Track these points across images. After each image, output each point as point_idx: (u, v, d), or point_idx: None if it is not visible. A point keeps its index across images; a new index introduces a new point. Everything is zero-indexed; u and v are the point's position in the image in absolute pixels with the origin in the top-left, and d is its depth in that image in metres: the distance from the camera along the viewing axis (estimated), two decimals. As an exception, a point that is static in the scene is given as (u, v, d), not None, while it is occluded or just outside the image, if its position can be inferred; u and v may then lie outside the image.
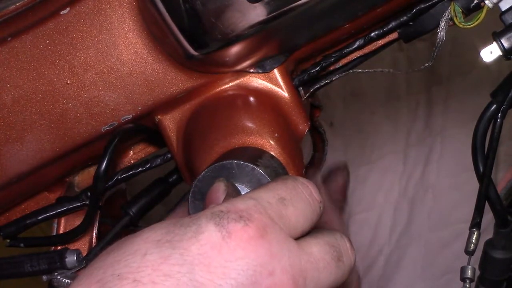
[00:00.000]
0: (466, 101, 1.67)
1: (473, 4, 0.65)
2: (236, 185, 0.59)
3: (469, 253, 0.70)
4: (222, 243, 0.49)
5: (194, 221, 0.50)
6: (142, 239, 0.49)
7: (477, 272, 0.72)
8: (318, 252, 0.53)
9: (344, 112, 1.73)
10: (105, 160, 0.67)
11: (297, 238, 0.53)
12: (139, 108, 0.68)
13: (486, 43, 0.66)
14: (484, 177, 0.68)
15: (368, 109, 1.73)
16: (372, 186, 1.76)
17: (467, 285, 0.71)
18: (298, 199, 0.54)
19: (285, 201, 0.53)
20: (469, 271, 0.70)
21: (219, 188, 0.57)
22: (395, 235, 1.76)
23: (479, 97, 0.87)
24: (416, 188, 1.75)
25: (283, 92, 0.68)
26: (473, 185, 0.70)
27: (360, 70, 0.71)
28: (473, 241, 0.70)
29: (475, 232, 0.70)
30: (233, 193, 0.57)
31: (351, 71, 0.71)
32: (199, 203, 0.60)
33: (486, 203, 0.70)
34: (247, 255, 0.48)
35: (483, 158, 0.68)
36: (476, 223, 0.70)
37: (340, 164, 0.84)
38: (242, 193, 0.59)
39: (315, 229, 0.56)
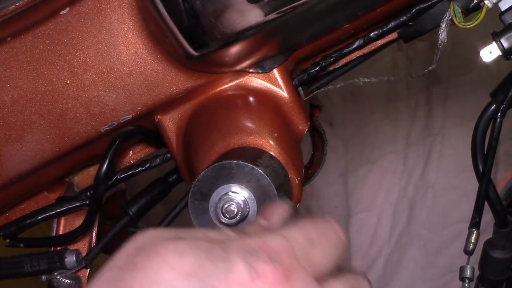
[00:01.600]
0: (465, 101, 1.67)
1: (472, 4, 0.65)
2: (236, 185, 0.59)
3: (469, 252, 0.70)
4: (250, 284, 0.48)
5: (226, 256, 0.49)
6: (170, 266, 0.49)
7: (477, 272, 0.72)
8: None
9: (343, 112, 1.73)
10: (106, 163, 0.67)
11: (321, 279, 0.53)
12: (139, 108, 0.68)
13: (486, 43, 0.66)
14: (484, 177, 0.68)
15: (367, 109, 1.73)
16: (372, 186, 1.76)
17: (466, 285, 0.71)
18: (326, 242, 0.54)
19: (314, 243, 0.53)
20: (468, 271, 0.70)
21: (286, 210, 0.56)
22: (395, 235, 1.76)
23: (479, 97, 0.87)
24: (416, 188, 1.75)
25: (283, 92, 0.68)
26: (473, 185, 0.70)
27: (366, 80, 0.71)
28: (472, 240, 0.70)
29: (474, 232, 0.70)
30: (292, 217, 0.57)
31: (356, 80, 0.71)
32: (199, 203, 0.60)
33: (486, 203, 0.70)
34: None
35: (483, 157, 0.68)
36: (475, 223, 0.70)
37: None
38: (242, 193, 0.59)
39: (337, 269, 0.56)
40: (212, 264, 0.49)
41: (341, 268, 0.56)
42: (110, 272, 0.48)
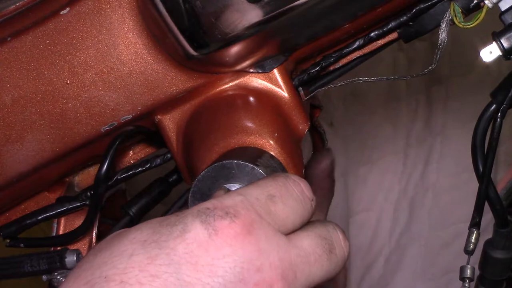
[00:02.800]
0: (466, 101, 1.67)
1: (472, 4, 0.65)
2: (237, 184, 0.59)
3: (469, 252, 0.70)
4: (208, 241, 0.48)
5: (181, 220, 0.50)
6: (128, 239, 0.49)
7: (477, 272, 0.72)
8: (309, 245, 0.52)
9: (344, 112, 1.73)
10: (106, 163, 0.67)
11: (288, 234, 0.53)
12: (139, 108, 0.68)
13: (486, 43, 0.66)
14: (484, 177, 0.68)
15: (368, 109, 1.73)
16: (372, 186, 1.76)
17: (466, 285, 0.71)
18: (288, 196, 0.54)
19: (274, 198, 0.53)
20: (468, 271, 0.70)
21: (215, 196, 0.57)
22: (395, 235, 1.76)
23: (479, 97, 0.87)
24: (416, 188, 1.75)
25: (283, 92, 0.68)
26: (473, 185, 0.70)
27: (366, 79, 0.71)
28: (473, 240, 0.70)
29: (475, 232, 0.70)
30: None
31: (356, 79, 0.71)
32: (199, 202, 0.60)
33: (486, 203, 0.70)
34: (234, 252, 0.48)
35: (483, 157, 0.68)
36: (475, 223, 0.70)
37: (324, 149, 0.84)
38: None
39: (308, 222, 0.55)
40: (168, 229, 0.49)
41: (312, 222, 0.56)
42: (81, 265, 0.49)
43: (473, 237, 0.70)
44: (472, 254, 0.71)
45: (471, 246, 0.70)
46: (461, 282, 0.71)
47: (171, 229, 0.49)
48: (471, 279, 0.71)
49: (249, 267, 0.48)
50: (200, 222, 0.49)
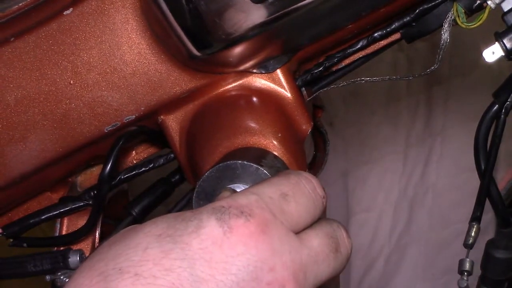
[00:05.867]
0: (466, 101, 1.67)
1: (475, 4, 0.65)
2: (241, 185, 0.60)
3: (468, 246, 0.70)
4: (223, 238, 0.49)
5: (196, 216, 0.50)
6: (143, 233, 0.49)
7: (476, 266, 0.72)
8: (318, 245, 0.53)
9: (344, 112, 1.73)
10: (110, 163, 0.67)
11: (299, 232, 0.53)
12: (142, 109, 0.69)
13: (488, 43, 0.66)
14: (486, 172, 0.68)
15: (368, 109, 1.73)
16: (372, 186, 1.76)
17: (465, 277, 0.70)
18: (300, 194, 0.54)
19: (288, 196, 0.53)
20: (467, 264, 0.70)
21: (225, 196, 0.57)
22: (395, 235, 1.76)
23: (480, 97, 0.87)
24: (416, 188, 1.75)
25: (286, 93, 0.68)
26: (473, 185, 0.70)
27: (368, 79, 0.71)
28: (472, 234, 0.70)
29: (475, 226, 0.70)
30: None
31: (358, 79, 0.71)
32: (204, 203, 0.61)
33: (487, 202, 0.70)
34: (248, 251, 0.49)
35: (485, 155, 0.68)
36: (476, 217, 0.70)
37: None
38: None
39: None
40: (183, 224, 0.50)
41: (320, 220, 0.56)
42: (94, 256, 0.49)
43: (473, 231, 0.70)
44: (471, 248, 0.70)
45: (471, 240, 0.70)
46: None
47: (186, 224, 0.49)
48: (469, 273, 0.71)
49: (262, 267, 0.49)
50: (216, 220, 0.49)
